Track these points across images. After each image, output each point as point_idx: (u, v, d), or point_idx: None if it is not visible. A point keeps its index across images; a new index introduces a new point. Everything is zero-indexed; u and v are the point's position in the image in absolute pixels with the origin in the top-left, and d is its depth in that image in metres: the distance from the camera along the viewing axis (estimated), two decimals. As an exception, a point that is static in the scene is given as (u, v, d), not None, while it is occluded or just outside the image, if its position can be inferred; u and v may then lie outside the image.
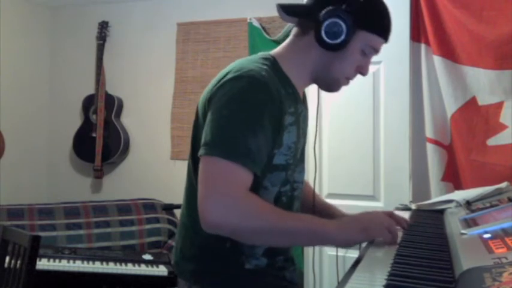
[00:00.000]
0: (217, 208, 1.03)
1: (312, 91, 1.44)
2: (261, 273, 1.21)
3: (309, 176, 1.51)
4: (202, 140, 1.10)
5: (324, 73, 1.24)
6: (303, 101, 1.31)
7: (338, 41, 1.16)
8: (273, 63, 1.21)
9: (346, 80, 1.27)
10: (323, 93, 1.33)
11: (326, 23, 1.16)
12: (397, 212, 1.51)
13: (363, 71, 1.26)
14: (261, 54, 1.26)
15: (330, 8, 1.16)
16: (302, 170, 1.31)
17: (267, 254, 1.21)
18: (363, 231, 1.12)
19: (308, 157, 1.39)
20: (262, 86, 1.11)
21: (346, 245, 1.15)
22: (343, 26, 1.15)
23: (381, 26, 1.22)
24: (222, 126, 1.08)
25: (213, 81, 1.19)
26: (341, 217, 1.47)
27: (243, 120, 1.08)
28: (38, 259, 2.00)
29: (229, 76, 1.14)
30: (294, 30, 1.27)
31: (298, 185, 1.29)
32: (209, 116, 1.12)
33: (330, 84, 1.27)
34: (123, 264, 2.67)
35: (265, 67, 1.16)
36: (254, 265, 1.20)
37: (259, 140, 1.08)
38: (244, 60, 1.21)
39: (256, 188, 1.16)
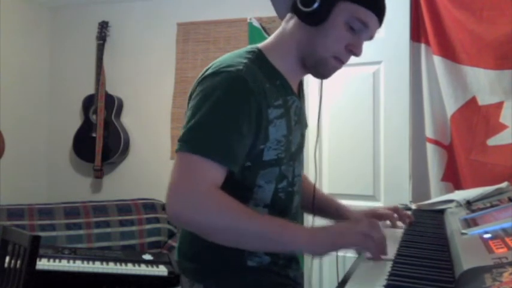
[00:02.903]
0: (178, 201, 1.02)
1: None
2: (263, 271, 1.20)
3: (310, 178, 1.51)
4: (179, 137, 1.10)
5: (309, 54, 1.18)
6: (298, 92, 1.27)
7: (313, 7, 1.11)
8: (257, 55, 1.18)
9: (336, 61, 1.17)
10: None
11: None
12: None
13: (355, 50, 1.16)
14: (247, 47, 1.23)
15: None
16: (300, 164, 1.29)
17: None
18: (334, 244, 1.04)
19: (308, 157, 1.38)
20: (239, 81, 1.09)
21: (318, 254, 1.07)
22: None
23: None
24: (195, 123, 1.07)
25: (197, 77, 1.18)
26: (344, 211, 1.46)
27: (216, 117, 1.07)
28: (38, 259, 2.00)
29: (208, 72, 1.13)
30: (285, 17, 1.23)
31: (297, 179, 1.26)
32: (187, 113, 1.12)
33: (318, 66, 1.19)
34: (123, 264, 2.67)
35: (245, 61, 1.14)
36: (257, 262, 1.19)
37: (231, 137, 1.06)
38: (227, 56, 1.19)
39: (250, 187, 1.16)
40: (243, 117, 1.08)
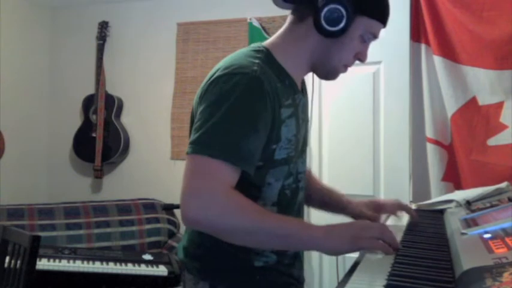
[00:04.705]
0: (196, 204, 1.00)
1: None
2: (269, 270, 1.20)
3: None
4: (190, 139, 1.08)
5: (322, 61, 1.21)
6: (302, 89, 1.28)
7: (338, 27, 1.12)
8: (266, 55, 1.18)
9: (345, 68, 1.23)
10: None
11: (325, 8, 1.12)
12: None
13: (362, 57, 1.22)
14: (253, 45, 1.22)
15: None
16: (304, 160, 1.30)
17: (276, 250, 1.20)
18: (352, 241, 1.03)
19: (311, 157, 1.38)
20: (254, 82, 1.08)
21: (333, 253, 1.07)
22: (343, 11, 1.12)
23: (380, 11, 1.18)
24: (209, 125, 1.05)
25: (206, 78, 1.16)
26: (345, 205, 1.47)
27: (234, 119, 1.05)
28: (38, 259, 2.00)
29: (219, 73, 1.11)
30: (290, 18, 1.23)
31: (302, 175, 1.27)
32: (198, 115, 1.09)
33: (329, 73, 1.24)
34: (123, 264, 2.67)
35: (257, 61, 1.13)
36: (263, 262, 1.19)
37: (249, 139, 1.05)
38: (235, 55, 1.18)
39: (260, 185, 1.16)
40: (260, 118, 1.08)
